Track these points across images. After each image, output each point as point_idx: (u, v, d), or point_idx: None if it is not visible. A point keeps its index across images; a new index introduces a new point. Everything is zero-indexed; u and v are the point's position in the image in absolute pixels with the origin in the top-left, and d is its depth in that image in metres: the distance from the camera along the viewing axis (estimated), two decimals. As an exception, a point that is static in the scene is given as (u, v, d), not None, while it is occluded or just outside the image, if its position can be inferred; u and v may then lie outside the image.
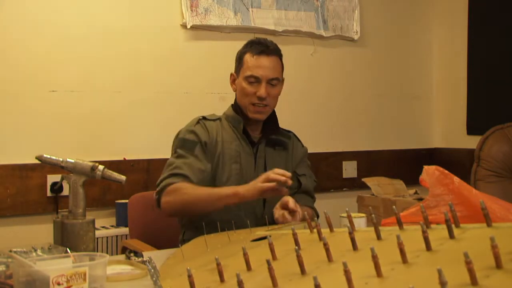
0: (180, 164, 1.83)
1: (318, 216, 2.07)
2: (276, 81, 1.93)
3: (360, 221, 1.57)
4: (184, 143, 1.89)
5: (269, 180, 1.66)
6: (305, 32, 3.18)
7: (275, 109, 2.02)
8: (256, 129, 1.99)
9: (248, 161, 1.93)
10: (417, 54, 3.66)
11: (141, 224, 2.19)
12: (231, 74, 2.00)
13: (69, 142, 2.57)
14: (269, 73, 1.90)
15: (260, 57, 1.90)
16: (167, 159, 1.98)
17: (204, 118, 1.96)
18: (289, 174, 1.68)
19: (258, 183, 1.67)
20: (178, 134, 1.95)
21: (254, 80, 1.89)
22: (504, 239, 0.78)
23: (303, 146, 2.12)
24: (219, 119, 1.98)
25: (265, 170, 1.94)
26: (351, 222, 1.10)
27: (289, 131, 2.10)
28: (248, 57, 1.91)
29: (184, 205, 1.77)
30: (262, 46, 1.92)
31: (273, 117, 2.01)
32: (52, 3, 2.57)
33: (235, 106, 1.99)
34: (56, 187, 2.51)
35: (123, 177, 1.54)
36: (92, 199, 2.56)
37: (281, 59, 1.97)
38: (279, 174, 1.66)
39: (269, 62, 1.91)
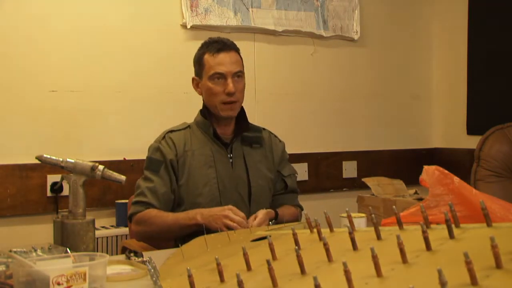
0: (145, 190, 1.90)
1: (302, 209, 2.10)
2: (241, 73, 1.94)
3: (360, 221, 1.57)
4: (150, 164, 1.94)
5: (228, 225, 1.70)
6: (305, 32, 3.18)
7: (247, 107, 2.04)
8: (227, 129, 1.99)
9: (223, 162, 1.94)
10: (417, 54, 3.65)
11: (141, 224, 2.19)
12: (193, 79, 2.00)
13: (69, 142, 2.57)
14: (232, 68, 1.91)
15: (220, 54, 1.91)
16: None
17: (171, 131, 1.98)
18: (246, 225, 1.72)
19: (220, 220, 1.71)
20: (148, 150, 1.99)
21: (219, 76, 1.90)
22: (504, 239, 0.78)
23: (280, 141, 2.12)
24: (189, 126, 1.99)
25: (246, 169, 1.96)
26: (351, 222, 1.10)
27: (263, 128, 2.10)
28: (208, 57, 1.92)
29: (152, 235, 1.88)
30: (219, 44, 1.93)
31: (242, 114, 2.01)
32: (52, 3, 2.57)
33: (203, 110, 2.00)
34: (56, 187, 2.51)
35: (123, 177, 1.54)
36: (92, 199, 2.56)
37: (239, 54, 1.98)
38: (238, 222, 1.70)
39: (230, 57, 1.92)
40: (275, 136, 2.12)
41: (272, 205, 1.98)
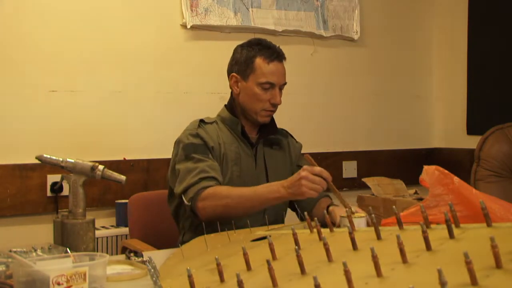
0: (206, 168, 1.78)
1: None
2: (284, 85, 1.95)
3: (360, 221, 1.57)
4: (196, 148, 1.85)
5: (309, 187, 1.61)
6: (305, 32, 3.18)
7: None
8: (253, 130, 1.99)
9: (248, 162, 1.94)
10: (417, 54, 3.65)
11: (141, 224, 2.19)
12: (233, 76, 1.95)
13: (69, 142, 2.57)
14: (281, 79, 1.93)
15: (274, 63, 1.91)
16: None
17: (203, 121, 1.94)
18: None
19: (301, 187, 1.61)
20: (180, 140, 1.90)
21: (269, 86, 1.90)
22: (504, 239, 0.78)
23: (297, 142, 2.14)
24: (215, 121, 1.97)
25: (266, 170, 1.96)
26: (351, 222, 1.10)
27: (284, 129, 2.11)
28: (261, 63, 1.90)
29: (226, 209, 1.71)
30: (273, 51, 1.92)
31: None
32: (52, 4, 2.57)
33: (232, 108, 1.98)
34: (56, 187, 2.51)
35: (123, 177, 1.54)
36: (92, 199, 2.56)
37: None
38: (319, 183, 1.62)
39: (282, 68, 1.94)
40: (292, 137, 2.13)
41: None
